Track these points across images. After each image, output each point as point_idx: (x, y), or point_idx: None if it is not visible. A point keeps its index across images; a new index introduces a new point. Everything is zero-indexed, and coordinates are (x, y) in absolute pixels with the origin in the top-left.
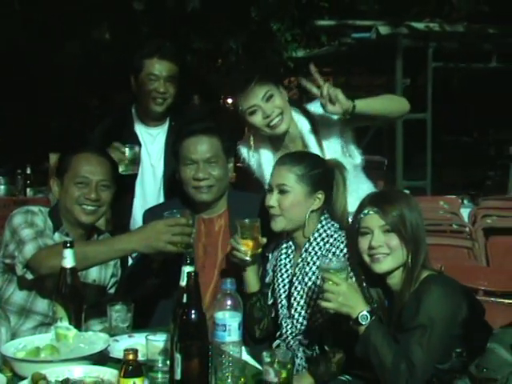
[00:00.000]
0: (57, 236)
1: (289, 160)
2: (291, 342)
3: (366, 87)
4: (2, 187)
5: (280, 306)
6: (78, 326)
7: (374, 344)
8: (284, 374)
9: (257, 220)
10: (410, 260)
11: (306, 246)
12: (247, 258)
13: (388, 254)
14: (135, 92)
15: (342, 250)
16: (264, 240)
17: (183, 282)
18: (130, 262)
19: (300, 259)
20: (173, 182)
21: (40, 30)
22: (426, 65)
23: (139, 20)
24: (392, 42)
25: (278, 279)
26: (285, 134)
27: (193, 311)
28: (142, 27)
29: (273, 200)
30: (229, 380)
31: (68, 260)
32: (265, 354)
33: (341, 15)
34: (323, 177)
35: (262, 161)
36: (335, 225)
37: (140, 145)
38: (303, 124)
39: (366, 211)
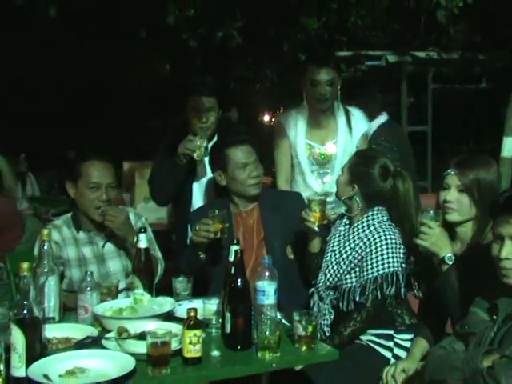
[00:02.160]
0: (81, 234)
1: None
2: (321, 292)
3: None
4: None
5: (325, 260)
6: (150, 293)
7: (453, 281)
8: (310, 329)
9: (324, 196)
10: (480, 216)
11: (354, 225)
12: (315, 228)
13: (456, 209)
14: (187, 116)
15: (375, 239)
16: (330, 214)
17: (231, 258)
18: None
19: (347, 234)
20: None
21: (112, 64)
22: (427, 86)
23: (193, 54)
24: (398, 68)
25: (330, 242)
26: (324, 112)
27: (239, 280)
28: (195, 60)
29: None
30: (267, 333)
31: (142, 242)
32: (295, 313)
33: (356, 47)
34: (369, 177)
35: (298, 129)
36: (385, 217)
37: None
38: (341, 116)
39: (449, 170)
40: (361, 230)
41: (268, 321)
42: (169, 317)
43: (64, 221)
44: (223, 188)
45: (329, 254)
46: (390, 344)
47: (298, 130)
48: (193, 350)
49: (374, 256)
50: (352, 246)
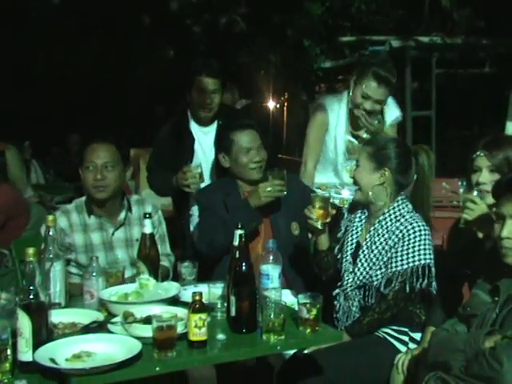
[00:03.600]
0: (92, 219)
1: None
2: (349, 293)
3: None
4: None
5: (345, 260)
6: (156, 278)
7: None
8: (314, 312)
9: (328, 194)
10: None
11: (380, 218)
12: (318, 226)
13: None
14: (189, 101)
15: (408, 231)
16: (333, 211)
17: (235, 242)
18: None
19: (372, 227)
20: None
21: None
22: (431, 71)
23: (197, 40)
24: (402, 53)
25: (348, 238)
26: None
27: (243, 264)
28: (199, 46)
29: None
30: (271, 316)
31: (147, 227)
32: (299, 296)
33: (360, 32)
34: (394, 157)
35: (340, 121)
36: (409, 206)
37: (194, 139)
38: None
39: (478, 152)
40: (390, 223)
41: (272, 304)
42: (174, 301)
43: (76, 205)
44: (225, 169)
45: (349, 249)
46: (406, 338)
47: (339, 121)
48: (198, 334)
49: (405, 248)
50: (382, 240)
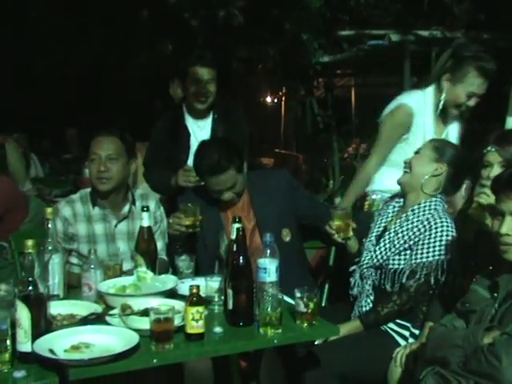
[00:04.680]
0: (96, 210)
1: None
2: (364, 271)
3: (382, 85)
4: None
5: (368, 241)
6: (153, 271)
7: None
8: (311, 306)
9: (345, 209)
10: None
11: (415, 207)
12: (340, 240)
13: None
14: (184, 93)
15: (436, 223)
16: (354, 225)
17: (233, 236)
18: None
19: (404, 215)
20: None
21: (113, 46)
22: (430, 65)
23: (195, 34)
24: (401, 48)
25: (377, 220)
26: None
27: (241, 257)
28: (197, 40)
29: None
30: (269, 310)
31: (145, 221)
32: (296, 290)
33: (359, 26)
34: (457, 157)
35: (426, 121)
36: (445, 205)
37: (189, 134)
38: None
39: (489, 148)
40: (422, 213)
41: (270, 298)
42: (172, 294)
43: (81, 196)
44: None
45: (375, 230)
46: (406, 333)
47: (426, 122)
48: (195, 326)
49: (432, 240)
50: (410, 226)
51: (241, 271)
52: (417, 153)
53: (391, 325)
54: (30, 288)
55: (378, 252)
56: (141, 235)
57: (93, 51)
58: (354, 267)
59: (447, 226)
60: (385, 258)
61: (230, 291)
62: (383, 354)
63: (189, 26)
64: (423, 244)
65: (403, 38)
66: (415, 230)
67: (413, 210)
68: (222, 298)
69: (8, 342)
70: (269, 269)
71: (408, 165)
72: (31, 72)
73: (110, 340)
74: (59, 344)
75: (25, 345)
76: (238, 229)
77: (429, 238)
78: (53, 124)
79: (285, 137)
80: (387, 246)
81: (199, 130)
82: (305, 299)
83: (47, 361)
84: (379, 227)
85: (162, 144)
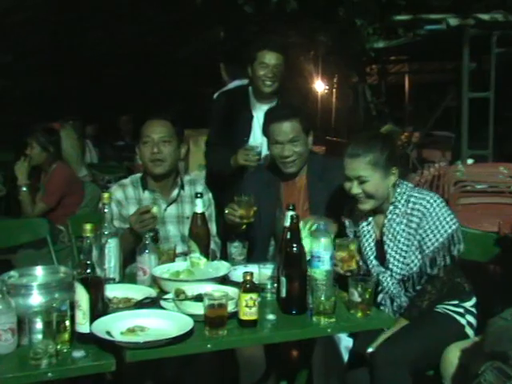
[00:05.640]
0: (146, 193)
1: (361, 151)
2: (393, 291)
3: (438, 72)
4: None
5: (371, 266)
6: (206, 256)
7: None
8: (366, 295)
9: (354, 240)
10: None
11: (391, 209)
12: (342, 272)
13: None
14: (251, 77)
15: (425, 206)
16: (358, 257)
17: (287, 223)
18: None
19: (386, 220)
20: None
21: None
22: (490, 51)
23: (248, 20)
24: (460, 32)
25: (364, 244)
26: None
27: (294, 245)
28: (250, 26)
29: (355, 189)
30: (322, 298)
31: (199, 207)
32: (350, 279)
33: (415, 10)
34: (392, 154)
35: None
36: (409, 184)
37: (252, 116)
38: None
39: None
40: (402, 208)
41: (323, 286)
42: (224, 281)
43: (132, 180)
44: None
45: (370, 253)
46: (461, 310)
47: None
48: (249, 313)
49: (431, 223)
50: (402, 226)
51: (294, 259)
52: (363, 181)
53: (445, 306)
54: (89, 271)
55: (394, 267)
56: (194, 221)
57: (145, 38)
58: (381, 296)
59: (435, 201)
60: (403, 266)
61: (283, 279)
62: (451, 337)
63: (242, 11)
64: (426, 231)
65: (462, 22)
66: (411, 224)
67: (391, 212)
68: (275, 285)
69: (67, 323)
70: (322, 257)
71: (362, 195)
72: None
73: (164, 324)
74: (116, 326)
75: (83, 326)
76: (292, 216)
77: (428, 223)
78: (106, 111)
79: (336, 124)
80: (396, 256)
81: (262, 113)
82: (359, 289)
83: (105, 342)
84: (371, 248)
85: (225, 124)
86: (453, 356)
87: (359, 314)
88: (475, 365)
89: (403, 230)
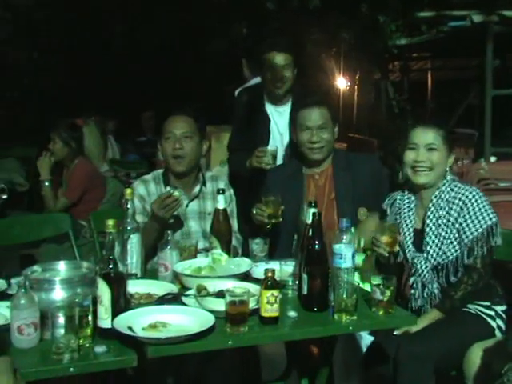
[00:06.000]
0: (168, 188)
1: (434, 124)
2: (426, 276)
3: (461, 69)
4: None
5: (407, 250)
6: (228, 253)
7: None
8: (388, 293)
9: (395, 223)
10: None
11: (436, 193)
12: (386, 255)
13: None
14: (263, 78)
15: (467, 196)
16: (400, 237)
17: (308, 220)
18: None
19: (431, 204)
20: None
21: (189, 29)
22: None
23: (271, 17)
24: (484, 29)
25: (403, 229)
26: None
27: (316, 242)
28: (273, 23)
29: (421, 156)
30: (344, 296)
31: (220, 203)
32: (373, 277)
33: (439, 7)
34: (452, 140)
35: None
36: (453, 176)
37: (269, 120)
38: None
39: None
40: (447, 195)
41: (345, 284)
42: (245, 277)
43: (154, 176)
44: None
45: (408, 238)
46: (492, 313)
47: None
48: (270, 310)
49: (472, 213)
50: (444, 212)
51: (316, 256)
52: (432, 149)
53: (476, 306)
54: (111, 266)
55: (431, 251)
56: (216, 217)
57: (169, 36)
58: (412, 278)
59: (477, 194)
60: (440, 253)
61: (304, 276)
62: (480, 339)
63: (264, 9)
64: (466, 221)
65: (486, 19)
66: (452, 212)
67: (436, 196)
68: (297, 282)
69: (90, 318)
70: (345, 254)
71: (426, 163)
72: (112, 59)
73: (186, 320)
74: (138, 322)
75: (105, 321)
76: (314, 213)
77: (469, 213)
78: (129, 107)
79: (357, 121)
80: (436, 241)
81: (278, 116)
82: (381, 287)
83: (126, 337)
84: (409, 233)
85: (244, 126)
86: (475, 355)
87: (381, 312)
88: (498, 364)
89: (444, 216)
